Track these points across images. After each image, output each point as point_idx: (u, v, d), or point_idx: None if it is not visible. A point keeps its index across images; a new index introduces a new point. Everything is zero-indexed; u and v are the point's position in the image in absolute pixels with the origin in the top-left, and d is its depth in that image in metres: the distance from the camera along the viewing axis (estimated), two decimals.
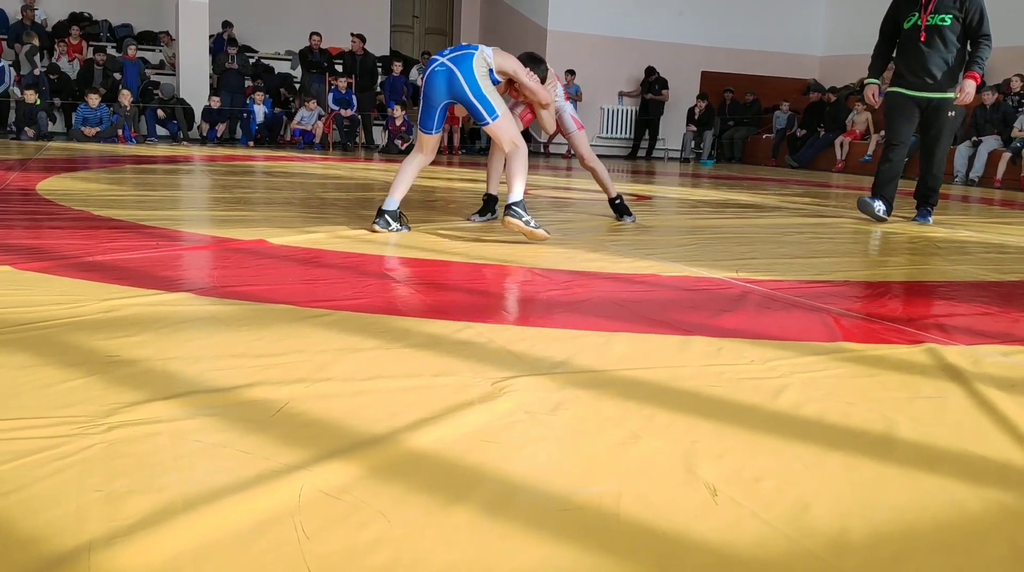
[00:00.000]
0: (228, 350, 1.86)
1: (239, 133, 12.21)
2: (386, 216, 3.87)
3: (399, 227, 3.90)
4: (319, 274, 2.83)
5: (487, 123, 3.83)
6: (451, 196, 6.02)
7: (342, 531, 1.09)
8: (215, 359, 1.79)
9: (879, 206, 5.24)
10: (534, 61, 4.16)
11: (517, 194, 3.75)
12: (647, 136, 14.43)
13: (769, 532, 1.15)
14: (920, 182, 5.40)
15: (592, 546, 1.09)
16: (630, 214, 4.78)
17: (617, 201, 4.77)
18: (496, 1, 15.78)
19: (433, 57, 3.89)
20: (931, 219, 5.32)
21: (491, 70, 3.82)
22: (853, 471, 1.37)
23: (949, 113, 5.06)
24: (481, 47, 3.85)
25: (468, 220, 4.54)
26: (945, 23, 4.95)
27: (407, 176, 4.00)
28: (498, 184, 4.57)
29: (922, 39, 5.01)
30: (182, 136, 11.72)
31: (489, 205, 4.60)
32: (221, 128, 12.00)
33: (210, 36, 12.65)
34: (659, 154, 14.70)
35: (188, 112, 11.95)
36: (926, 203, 5.37)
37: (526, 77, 4.01)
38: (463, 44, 3.93)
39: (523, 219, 3.68)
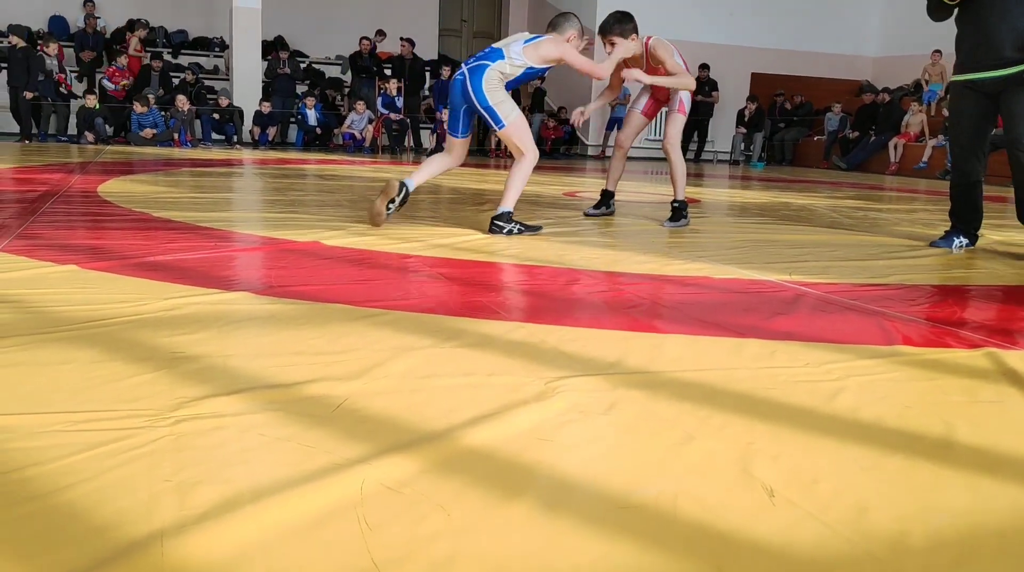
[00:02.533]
0: (287, 348, 1.91)
1: (291, 136, 12.42)
2: (406, 188, 4.00)
3: (400, 202, 4.00)
4: (372, 274, 2.88)
5: (495, 130, 4.04)
6: (498, 198, 6.04)
7: (403, 523, 1.11)
8: (275, 356, 1.84)
9: (956, 242, 4.07)
10: (620, 22, 4.32)
11: (507, 204, 4.01)
12: (696, 138, 14.33)
13: (828, 534, 1.14)
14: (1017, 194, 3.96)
15: (649, 545, 1.10)
16: (683, 218, 4.71)
17: (676, 204, 4.74)
18: (544, 4, 15.80)
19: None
20: None
21: (525, 70, 3.93)
22: (912, 474, 1.36)
23: None
24: (507, 50, 3.93)
25: (584, 215, 4.96)
26: None
27: (429, 168, 4.18)
28: (615, 182, 4.95)
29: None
30: (236, 140, 11.95)
31: (605, 199, 4.96)
32: (272, 132, 12.20)
33: (263, 42, 12.89)
34: (708, 156, 14.58)
35: (241, 116, 12.19)
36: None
37: (576, 61, 4.02)
38: (489, 49, 4.02)
39: (504, 231, 3.95)
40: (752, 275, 3.11)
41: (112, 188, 5.38)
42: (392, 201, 3.98)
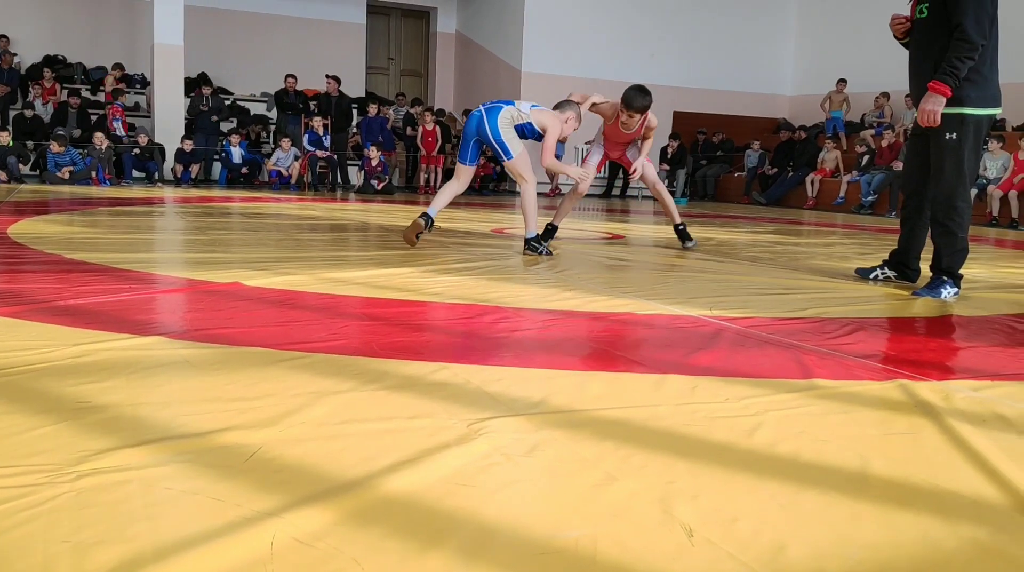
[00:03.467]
0: (200, 395, 1.84)
1: (215, 174, 12.20)
2: (429, 217, 4.86)
3: (428, 228, 4.89)
4: (294, 316, 2.82)
5: (503, 161, 4.81)
6: (427, 236, 6.02)
7: None
8: (187, 404, 1.77)
9: (876, 273, 4.16)
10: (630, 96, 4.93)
11: (531, 229, 4.85)
12: (621, 175, 14.58)
13: None
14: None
15: None
16: (691, 239, 5.60)
17: (680, 227, 5.59)
18: (471, 44, 15.98)
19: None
20: (944, 293, 3.68)
21: (527, 123, 4.73)
22: (828, 509, 1.38)
23: (947, 135, 3.57)
24: (518, 103, 4.79)
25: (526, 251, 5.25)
26: (922, 15, 3.69)
27: (443, 197, 5.01)
28: (561, 219, 5.47)
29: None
30: (157, 178, 11.68)
31: (549, 233, 5.42)
32: (195, 169, 11.98)
33: (185, 79, 12.69)
34: (633, 193, 14.84)
35: (163, 154, 11.94)
36: (937, 269, 3.78)
37: (548, 138, 4.76)
38: (504, 100, 4.94)
39: (538, 252, 4.77)
40: (675, 310, 3.15)
41: (23, 229, 5.19)
42: (419, 234, 4.82)
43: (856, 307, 3.39)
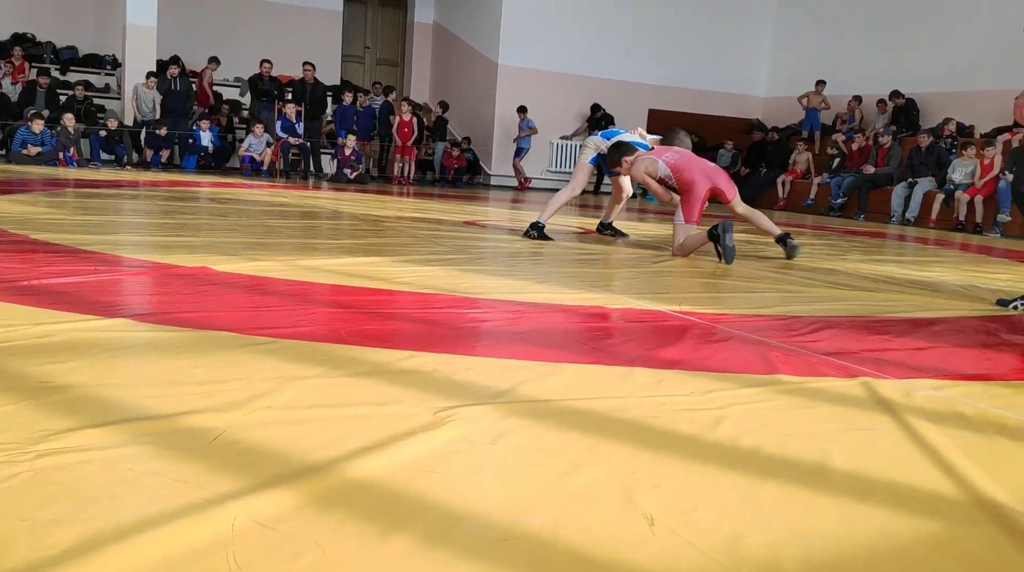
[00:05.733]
0: (165, 377, 1.83)
1: (186, 158, 12.06)
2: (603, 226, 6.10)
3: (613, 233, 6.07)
4: (262, 301, 2.80)
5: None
6: (399, 226, 6.01)
7: (275, 561, 1.07)
8: (151, 386, 1.76)
9: (1016, 304, 3.69)
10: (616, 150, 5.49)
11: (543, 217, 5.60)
12: (595, 173, 14.61)
13: (705, 561, 1.16)
14: None
15: None
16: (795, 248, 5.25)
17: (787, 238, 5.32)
18: (448, 34, 15.92)
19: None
20: None
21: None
22: (787, 501, 1.40)
23: None
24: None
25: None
26: None
27: (612, 207, 6.21)
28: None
29: None
30: (126, 161, 11.52)
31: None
32: (165, 154, 11.84)
33: (158, 61, 12.52)
34: (607, 189, 14.89)
35: (133, 137, 11.78)
36: None
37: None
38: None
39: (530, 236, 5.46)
40: (644, 305, 3.17)
41: None
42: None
43: (823, 305, 3.43)
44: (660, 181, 5.24)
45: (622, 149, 5.43)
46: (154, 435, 1.47)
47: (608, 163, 5.53)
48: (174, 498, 1.22)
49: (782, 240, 5.24)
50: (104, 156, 11.49)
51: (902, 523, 1.34)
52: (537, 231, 5.46)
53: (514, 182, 14.19)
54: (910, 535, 1.29)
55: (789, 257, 5.16)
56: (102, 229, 4.65)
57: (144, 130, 11.73)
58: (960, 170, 10.62)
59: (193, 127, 12.28)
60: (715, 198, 5.27)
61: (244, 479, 1.30)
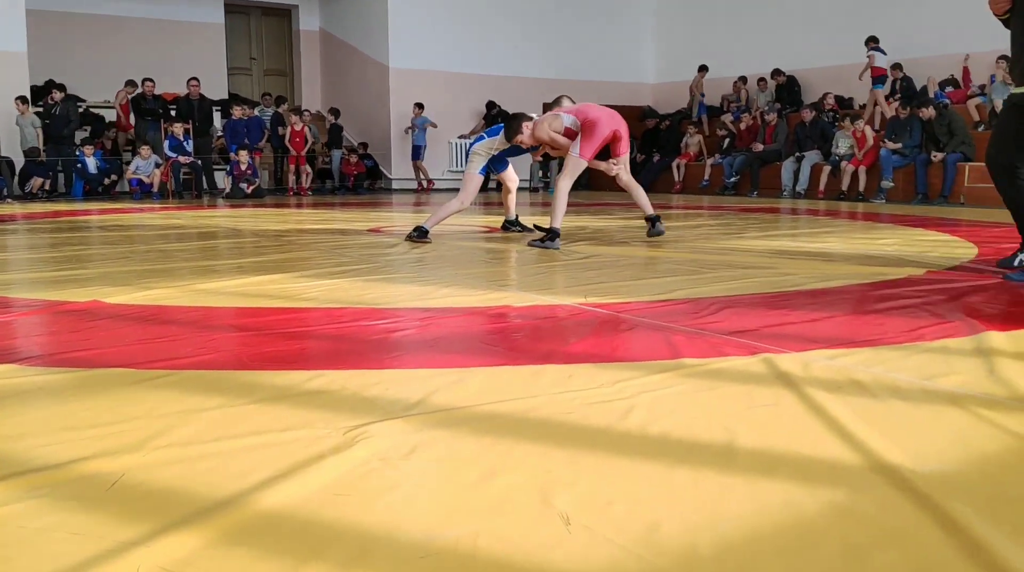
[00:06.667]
0: (56, 423, 1.74)
1: (70, 186, 11.54)
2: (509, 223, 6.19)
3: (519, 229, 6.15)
4: (159, 332, 2.70)
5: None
6: (301, 239, 5.90)
7: None
8: (41, 435, 1.67)
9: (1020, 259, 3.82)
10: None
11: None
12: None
13: (621, 555, 1.17)
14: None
15: None
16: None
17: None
18: (335, 40, 15.70)
19: None
20: None
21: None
22: (699, 485, 1.43)
23: None
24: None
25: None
26: None
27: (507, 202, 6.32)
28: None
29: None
30: (6, 193, 10.95)
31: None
32: (38, 183, 11.29)
33: (32, 87, 11.94)
34: (494, 185, 14.95)
35: (11, 166, 11.20)
36: None
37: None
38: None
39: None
40: (550, 300, 3.20)
41: None
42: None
43: (724, 285, 3.52)
44: (567, 133, 5.19)
45: (520, 117, 5.41)
46: (47, 487, 1.40)
47: (508, 135, 5.44)
48: (72, 554, 1.16)
49: (651, 219, 5.41)
50: None
51: (806, 495, 1.38)
52: (418, 232, 5.40)
53: (416, 185, 14.11)
54: (814, 506, 1.34)
55: (649, 235, 5.40)
56: None
57: (25, 159, 11.16)
58: (843, 142, 11.07)
59: (77, 153, 11.76)
60: (610, 147, 5.32)
61: (147, 524, 1.25)
